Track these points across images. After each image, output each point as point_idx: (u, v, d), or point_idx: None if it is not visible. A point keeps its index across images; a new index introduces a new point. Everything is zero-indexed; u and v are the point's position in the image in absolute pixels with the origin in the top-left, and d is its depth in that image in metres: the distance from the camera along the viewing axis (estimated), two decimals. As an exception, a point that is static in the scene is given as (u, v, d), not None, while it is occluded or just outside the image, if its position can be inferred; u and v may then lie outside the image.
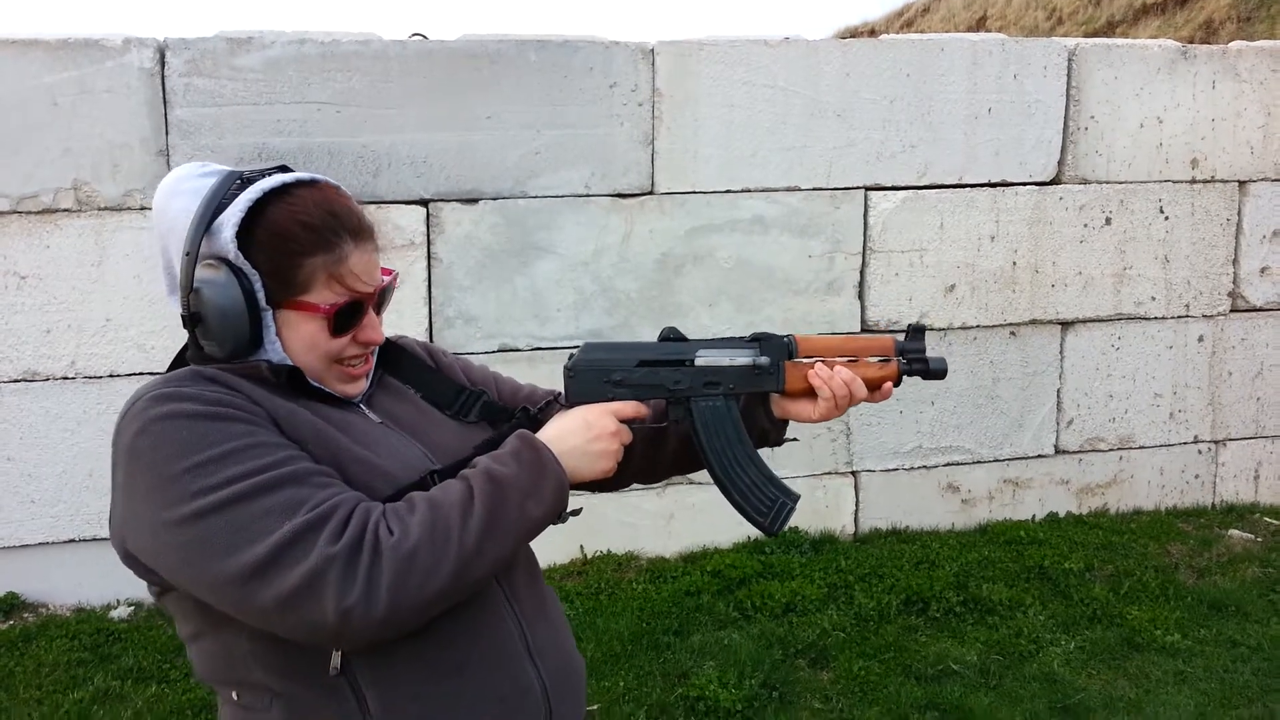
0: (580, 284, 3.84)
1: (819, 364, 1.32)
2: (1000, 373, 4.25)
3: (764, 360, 1.30)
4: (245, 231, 1.13)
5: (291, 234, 1.13)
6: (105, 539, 3.64)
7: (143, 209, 3.49)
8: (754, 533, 4.08)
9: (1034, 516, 4.36)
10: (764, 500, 1.33)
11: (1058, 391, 4.33)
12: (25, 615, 3.53)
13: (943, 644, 3.35)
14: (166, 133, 3.47)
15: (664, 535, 4.03)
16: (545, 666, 1.22)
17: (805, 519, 4.14)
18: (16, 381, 3.49)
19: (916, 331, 1.36)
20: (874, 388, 1.34)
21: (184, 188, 1.16)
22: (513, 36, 3.70)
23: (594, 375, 1.27)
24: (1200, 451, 4.52)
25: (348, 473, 1.11)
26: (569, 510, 1.18)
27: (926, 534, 4.21)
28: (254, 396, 1.11)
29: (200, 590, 1.04)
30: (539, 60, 3.69)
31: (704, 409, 1.30)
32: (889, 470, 4.19)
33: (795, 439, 1.43)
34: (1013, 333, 4.23)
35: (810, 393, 1.32)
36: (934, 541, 4.10)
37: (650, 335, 4.14)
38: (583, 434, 1.20)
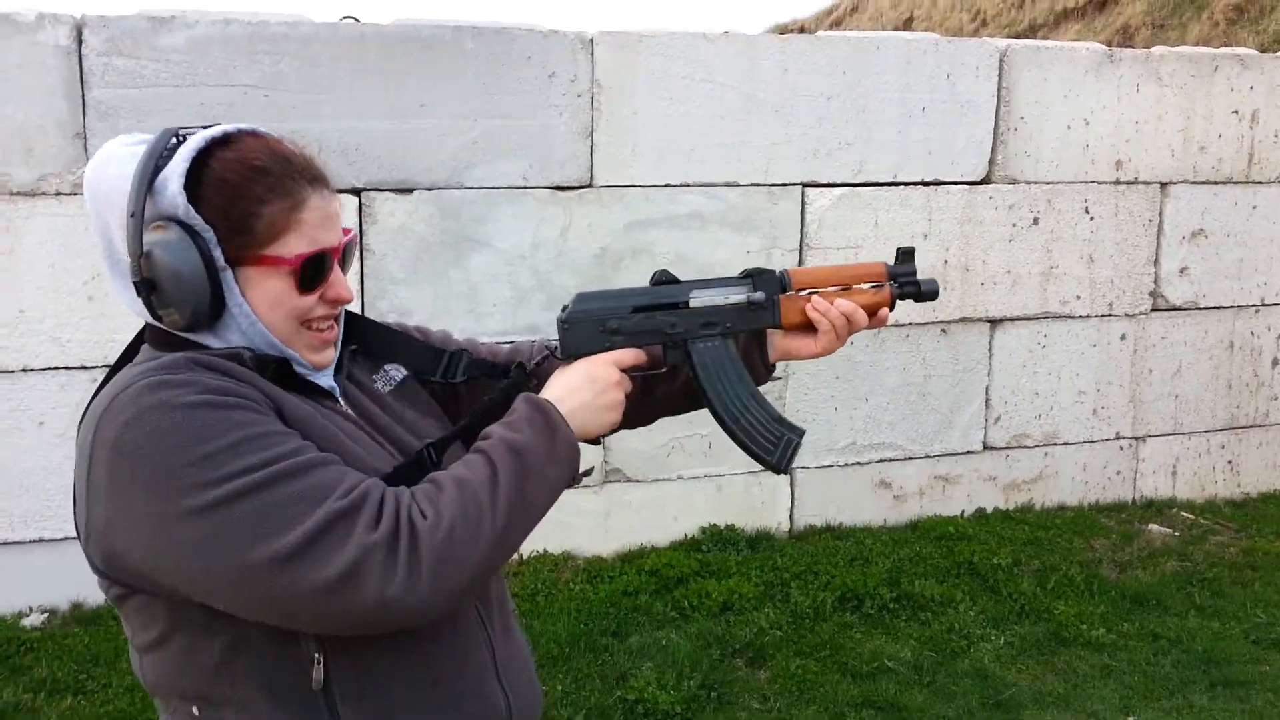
0: (517, 278, 3.77)
1: (816, 296, 1.31)
2: (931, 370, 4.31)
3: (759, 296, 1.28)
4: (192, 185, 1.04)
5: (243, 181, 1.05)
6: (16, 542, 3.45)
7: (58, 194, 3.33)
8: (690, 530, 4.08)
9: (963, 512, 4.43)
10: (769, 438, 1.30)
11: (986, 389, 4.40)
12: (-73, 622, 3.35)
13: (877, 641, 3.38)
14: (84, 114, 3.31)
15: (601, 534, 4.00)
16: (509, 684, 1.19)
17: (742, 516, 4.14)
18: (-82, 375, 3.30)
19: (906, 254, 1.36)
20: (870, 314, 1.34)
21: (116, 153, 1.07)
22: (449, 22, 3.61)
23: (589, 325, 1.22)
24: (1122, 448, 4.65)
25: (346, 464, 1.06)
26: (581, 471, 1.14)
27: (860, 530, 4.25)
28: (255, 384, 1.04)
29: (214, 587, 0.97)
30: (475, 48, 3.61)
31: (702, 350, 1.28)
32: (823, 467, 4.22)
33: (779, 377, 1.42)
34: (944, 330, 4.29)
35: (807, 326, 1.32)
36: (867, 538, 4.14)
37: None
38: (589, 389, 1.17)
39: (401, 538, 0.97)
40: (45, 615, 3.43)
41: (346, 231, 1.15)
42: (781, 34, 5.12)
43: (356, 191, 3.57)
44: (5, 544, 3.43)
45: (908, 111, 4.09)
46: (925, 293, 1.36)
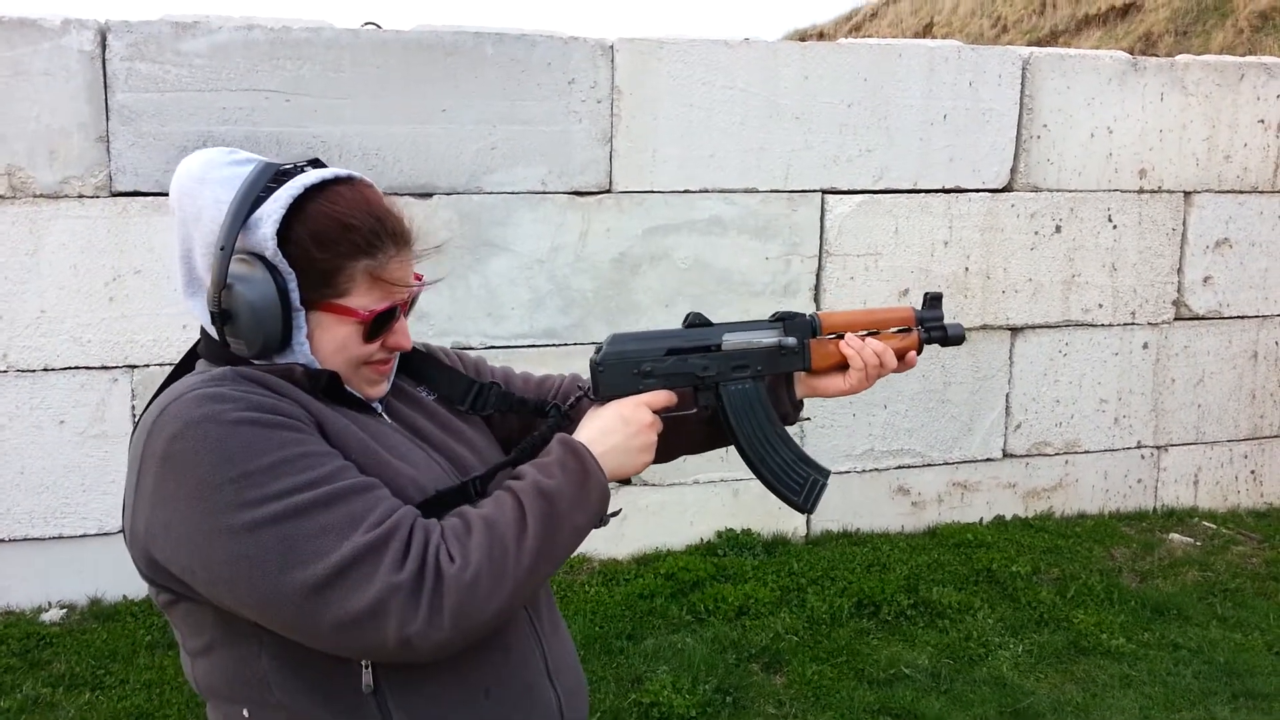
0: (535, 282, 3.78)
1: (850, 336, 1.35)
2: (951, 377, 4.29)
3: (790, 341, 1.32)
4: (284, 228, 1.07)
5: (335, 235, 1.09)
6: (37, 538, 3.49)
7: (80, 197, 3.36)
8: (706, 534, 4.07)
9: (981, 519, 4.40)
10: (796, 479, 1.34)
11: (1006, 396, 4.38)
12: (-51, 618, 3.38)
13: (894, 647, 3.36)
14: (107, 118, 3.34)
15: (616, 537, 3.99)
16: (561, 685, 1.21)
17: (758, 521, 4.13)
18: (-57, 374, 3.33)
19: (934, 300, 1.41)
20: (899, 357, 1.38)
21: (214, 175, 1.10)
22: (469, 28, 3.63)
23: (623, 367, 1.24)
24: (1143, 456, 4.61)
25: (386, 483, 1.07)
26: (609, 513, 1.16)
27: (877, 536, 4.23)
28: (299, 400, 1.06)
29: (243, 604, 0.99)
30: (496, 54, 3.63)
31: (733, 392, 1.30)
32: (841, 473, 4.20)
33: (809, 418, 1.45)
34: (965, 341, 4.26)
35: (838, 367, 1.36)
36: (884, 544, 4.12)
37: (605, 335, 4.08)
38: (621, 431, 1.18)
39: (426, 579, 0.98)
40: (64, 611, 3.45)
41: (418, 278, 1.18)
42: (801, 40, 5.11)
43: (377, 195, 3.58)
44: (25, 540, 3.46)
45: (929, 119, 4.08)
46: (952, 338, 1.41)
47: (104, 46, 3.32)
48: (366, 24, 3.64)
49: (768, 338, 1.31)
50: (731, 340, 1.29)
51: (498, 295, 3.75)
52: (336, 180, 1.12)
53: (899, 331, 1.38)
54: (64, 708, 2.92)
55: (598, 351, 1.24)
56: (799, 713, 3.00)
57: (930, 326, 1.40)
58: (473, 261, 3.71)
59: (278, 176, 1.10)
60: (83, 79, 3.31)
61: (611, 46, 3.75)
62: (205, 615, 1.06)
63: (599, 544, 3.97)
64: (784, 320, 1.33)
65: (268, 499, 0.97)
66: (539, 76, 3.68)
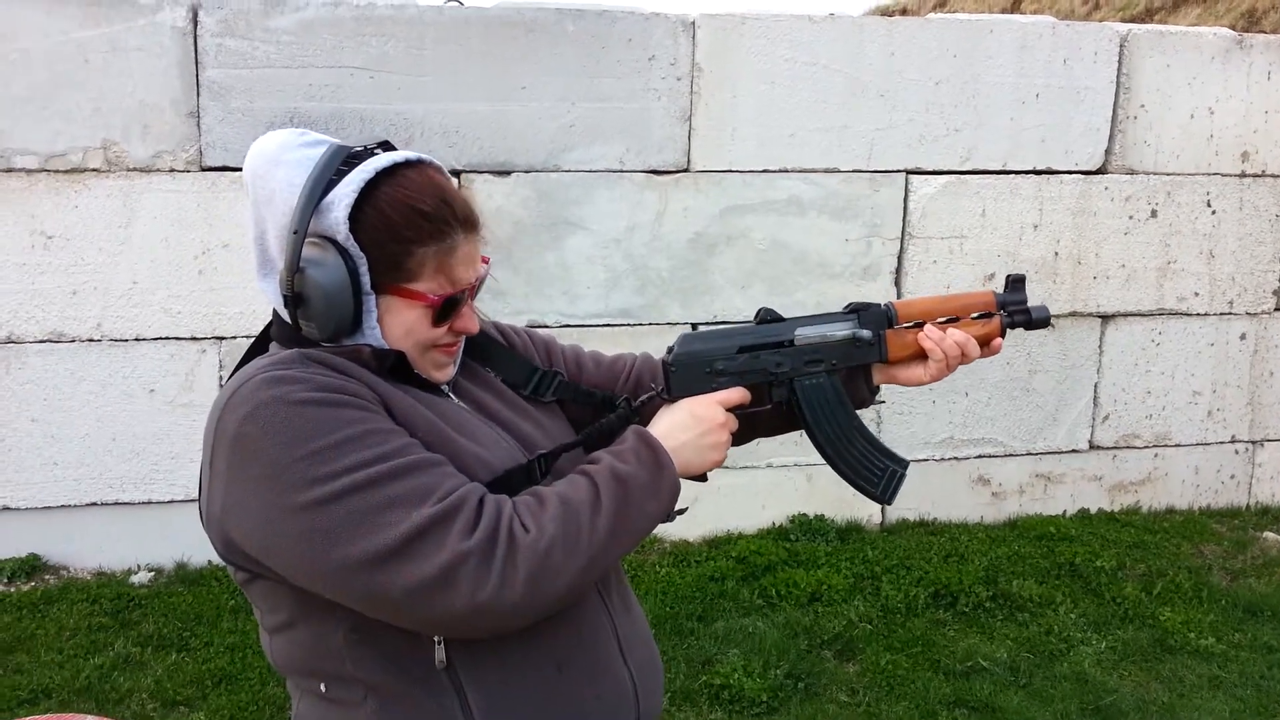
0: (611, 261, 3.77)
1: (929, 326, 1.30)
2: (1037, 365, 4.17)
3: (865, 333, 1.28)
4: (355, 213, 1.08)
5: (405, 220, 1.09)
6: (127, 503, 3.61)
7: (172, 171, 3.44)
8: (779, 519, 4.04)
9: (1065, 512, 4.28)
10: (874, 471, 1.32)
11: (1095, 386, 4.24)
12: (46, 577, 3.51)
13: (971, 640, 3.29)
14: (198, 94, 3.41)
15: (687, 519, 3.94)
16: (634, 662, 1.21)
17: (831, 507, 4.08)
18: (42, 342, 3.45)
19: (1017, 282, 1.34)
20: (982, 344, 1.32)
21: (287, 158, 1.11)
22: (550, 5, 3.62)
23: (696, 367, 1.23)
24: (1237, 451, 4.43)
25: (453, 461, 1.07)
26: (676, 509, 1.15)
27: (955, 526, 4.14)
28: (366, 380, 1.07)
29: (316, 579, 1.00)
30: (576, 30, 3.61)
31: (807, 387, 1.28)
32: (919, 460, 4.12)
33: (883, 401, 1.41)
34: (1052, 325, 4.13)
35: (916, 356, 1.31)
36: (962, 534, 4.03)
37: (680, 315, 4.09)
38: (694, 429, 1.18)
39: (499, 545, 0.99)
40: (152, 574, 3.57)
41: (485, 260, 1.18)
42: (886, 15, 5.00)
43: (456, 173, 3.60)
44: (117, 504, 3.58)
45: (1021, 98, 3.95)
46: (1036, 321, 1.33)
47: (195, 23, 3.38)
48: (449, 2, 3.65)
49: (841, 331, 1.28)
50: (804, 335, 1.27)
51: (574, 274, 3.75)
52: (406, 164, 1.12)
53: (980, 317, 1.32)
54: (152, 667, 3.02)
55: (669, 352, 1.24)
56: (872, 701, 2.95)
57: (1013, 310, 1.33)
58: (550, 240, 3.71)
59: (348, 160, 1.10)
60: (175, 55, 3.38)
61: (693, 22, 3.70)
62: (282, 592, 1.07)
63: (670, 526, 3.94)
64: (858, 312, 1.30)
65: (335, 475, 0.98)
66: (619, 53, 3.65)
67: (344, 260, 1.07)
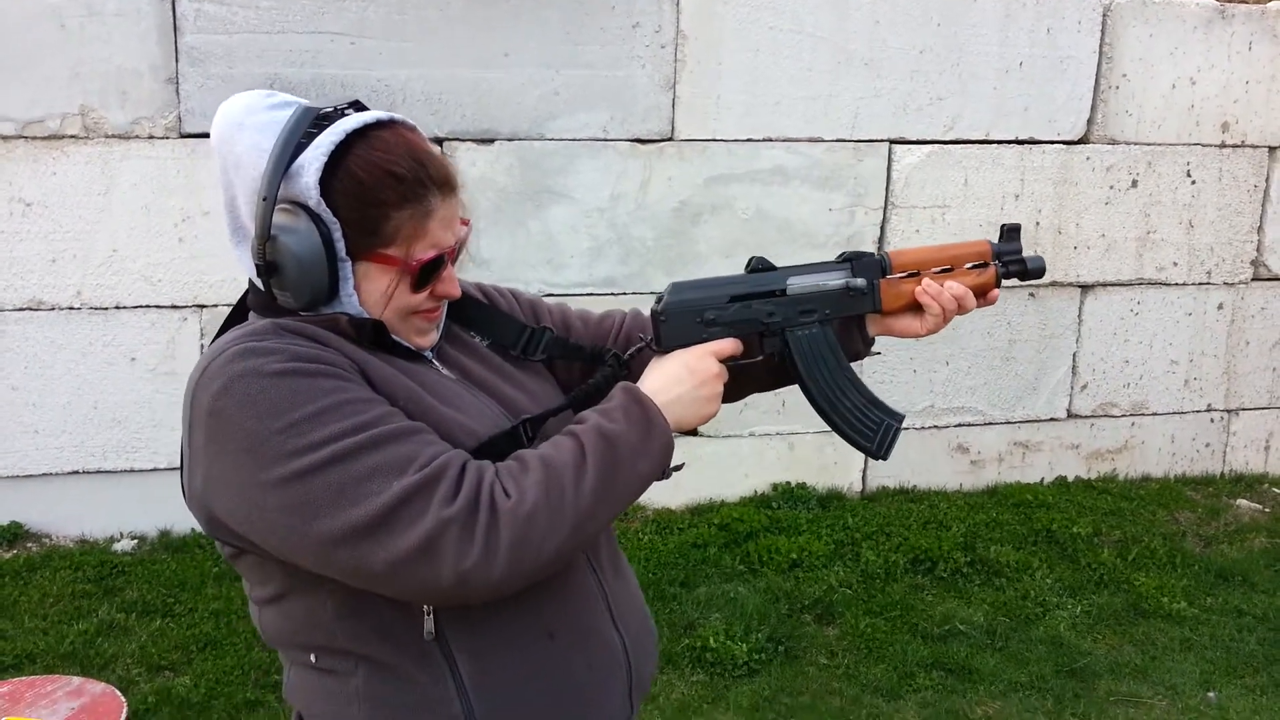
0: (595, 230, 3.77)
1: (927, 279, 1.27)
2: (1017, 334, 4.20)
3: (859, 282, 1.25)
4: (327, 177, 1.04)
5: (378, 184, 1.05)
6: (109, 471, 3.59)
7: (151, 138, 3.41)
8: (761, 487, 4.07)
9: (1043, 480, 4.34)
10: (869, 424, 1.28)
11: (1074, 355, 4.28)
12: (29, 545, 3.51)
13: (949, 604, 3.34)
14: (177, 60, 3.38)
15: (670, 487, 3.97)
16: (625, 627, 1.20)
17: (813, 475, 4.11)
18: (21, 310, 3.43)
19: (1011, 231, 1.32)
20: (979, 295, 1.30)
21: (253, 121, 1.07)
22: (534, -29, 3.59)
23: (686, 317, 1.19)
24: (1213, 420, 4.49)
25: (435, 428, 1.05)
26: (672, 466, 1.13)
27: (934, 494, 4.19)
28: (343, 349, 1.05)
29: (299, 552, 0.99)
30: (560, -3, 3.59)
31: (800, 338, 1.25)
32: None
33: (879, 353, 1.38)
34: (1031, 294, 4.17)
35: (909, 308, 1.29)
36: (942, 501, 4.08)
37: (664, 284, 4.06)
38: (687, 382, 1.15)
39: (480, 512, 0.97)
40: (135, 541, 3.57)
41: (464, 222, 1.14)
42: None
43: (439, 141, 3.58)
44: (99, 473, 3.57)
45: (1004, 67, 3.95)
46: (1032, 271, 1.32)
47: (174, -13, 3.34)
48: (431, -34, 3.62)
49: (835, 280, 1.25)
50: (797, 284, 1.24)
51: (558, 243, 3.74)
52: (378, 124, 1.08)
53: (975, 267, 1.30)
54: (137, 632, 3.03)
55: (659, 301, 1.20)
56: (851, 664, 3.00)
57: (1008, 260, 1.31)
58: (533, 209, 3.71)
59: (318, 121, 1.06)
60: (153, 20, 3.34)
61: (677, -10, 3.68)
62: (271, 566, 1.06)
63: (653, 493, 3.96)
64: (852, 261, 1.27)
65: (314, 446, 0.96)
66: (602, 20, 3.63)
67: (317, 227, 1.03)
